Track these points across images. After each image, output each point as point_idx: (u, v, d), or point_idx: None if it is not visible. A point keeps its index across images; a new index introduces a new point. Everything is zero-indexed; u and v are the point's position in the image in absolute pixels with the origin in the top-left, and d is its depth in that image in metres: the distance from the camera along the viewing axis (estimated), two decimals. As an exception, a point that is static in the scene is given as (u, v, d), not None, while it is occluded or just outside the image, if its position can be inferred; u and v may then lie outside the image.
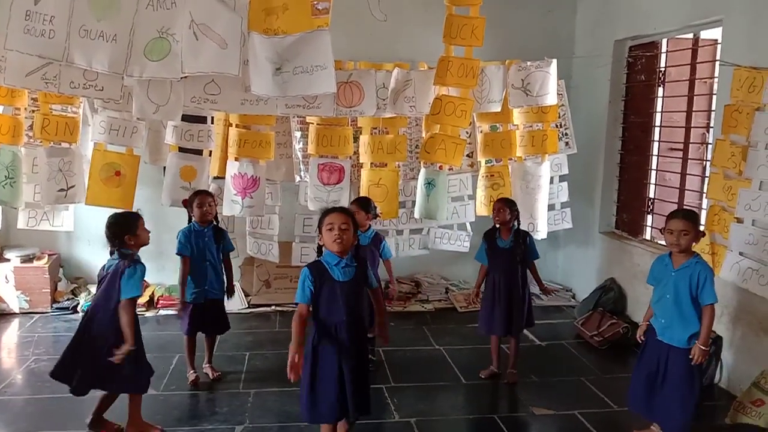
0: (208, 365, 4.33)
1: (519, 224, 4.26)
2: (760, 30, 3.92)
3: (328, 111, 4.34)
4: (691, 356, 3.13)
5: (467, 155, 5.29)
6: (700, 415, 3.38)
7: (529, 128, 5.09)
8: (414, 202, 5.15)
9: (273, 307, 5.69)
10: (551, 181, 5.28)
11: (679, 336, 3.19)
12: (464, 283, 6.24)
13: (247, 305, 5.76)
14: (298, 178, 5.09)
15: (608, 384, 4.24)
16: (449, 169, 5.06)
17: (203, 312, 4.15)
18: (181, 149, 4.80)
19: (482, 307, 4.33)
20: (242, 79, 3.99)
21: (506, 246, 4.17)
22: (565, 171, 5.42)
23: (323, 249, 2.98)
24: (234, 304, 5.67)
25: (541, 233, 5.13)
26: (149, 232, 3.46)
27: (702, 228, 3.42)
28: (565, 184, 5.44)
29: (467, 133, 5.23)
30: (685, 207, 4.69)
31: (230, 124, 4.79)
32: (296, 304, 2.97)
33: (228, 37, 3.86)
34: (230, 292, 4.32)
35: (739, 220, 3.92)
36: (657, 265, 3.38)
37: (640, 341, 3.42)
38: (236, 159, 4.72)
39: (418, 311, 5.84)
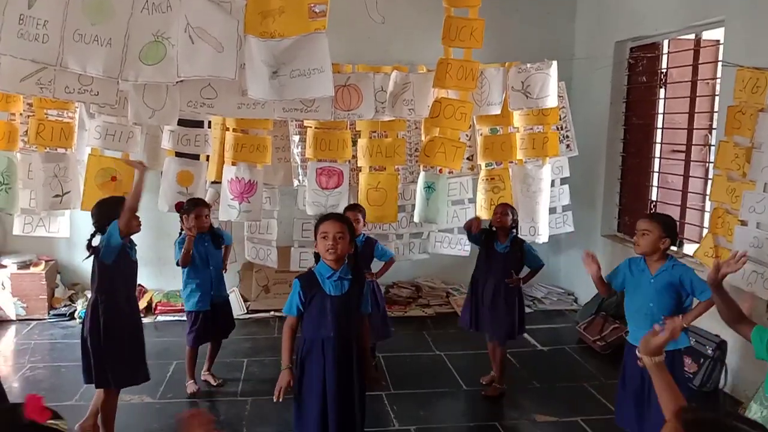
0: (208, 373, 4.28)
1: (517, 231, 4.20)
2: (761, 30, 3.86)
3: (326, 114, 4.29)
4: (662, 322, 2.99)
5: (467, 158, 5.24)
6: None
7: (530, 131, 5.04)
8: (414, 206, 5.10)
9: (272, 313, 5.63)
10: (552, 184, 5.23)
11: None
12: (465, 288, 6.18)
13: (246, 311, 5.71)
14: (296, 183, 5.05)
15: (611, 390, 4.13)
16: (449, 173, 5.02)
17: (210, 319, 4.12)
18: (178, 154, 4.76)
19: (465, 302, 4.30)
20: (239, 82, 3.95)
21: (502, 250, 4.08)
22: (567, 174, 5.37)
23: (319, 257, 2.84)
24: (233, 309, 5.64)
25: (542, 237, 5.08)
26: (140, 220, 3.31)
27: (676, 235, 3.25)
28: (566, 187, 5.38)
29: (467, 136, 5.18)
30: (689, 208, 4.63)
31: (227, 128, 4.75)
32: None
33: (224, 41, 3.82)
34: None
35: (744, 223, 3.86)
36: (629, 268, 3.18)
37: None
38: (233, 163, 4.67)
39: (419, 316, 5.79)
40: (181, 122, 4.50)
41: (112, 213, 3.21)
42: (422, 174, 4.92)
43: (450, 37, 4.43)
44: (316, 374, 2.76)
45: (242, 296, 5.84)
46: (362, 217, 4.27)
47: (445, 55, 4.48)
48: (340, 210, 4.75)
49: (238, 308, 5.67)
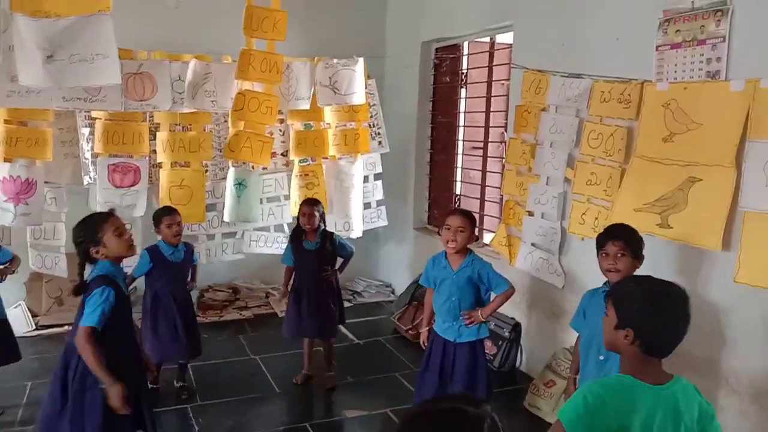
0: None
1: (325, 225, 4.19)
2: (544, 35, 4.19)
3: (115, 104, 3.91)
4: (467, 316, 3.16)
5: (282, 154, 5.12)
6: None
7: (342, 127, 5.03)
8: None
9: (66, 327, 5.02)
10: (366, 180, 5.29)
11: (468, 332, 3.22)
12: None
13: (34, 327, 5.06)
14: (87, 180, 4.53)
15: (420, 378, 4.30)
16: (263, 169, 4.85)
17: None
18: (-65, 150, 4.06)
19: (289, 309, 4.17)
20: (6, 67, 3.48)
21: (312, 248, 4.06)
22: (379, 170, 5.45)
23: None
24: (19, 326, 4.98)
25: (356, 232, 5.11)
26: (128, 236, 2.65)
27: (477, 231, 3.52)
28: (379, 183, 5.47)
29: (281, 131, 5.06)
30: (487, 201, 4.90)
31: (-3, 120, 4.14)
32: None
33: (-16, 19, 3.31)
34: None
35: (531, 214, 4.18)
36: (433, 266, 3.33)
37: (424, 347, 3.37)
38: (6, 160, 4.08)
39: (236, 319, 5.54)
40: (-63, 112, 3.85)
41: (86, 238, 2.62)
42: (232, 170, 4.70)
43: (252, 27, 4.25)
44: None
45: (30, 311, 5.18)
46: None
47: (247, 46, 4.30)
48: (138, 211, 4.41)
49: (25, 325, 5.02)
